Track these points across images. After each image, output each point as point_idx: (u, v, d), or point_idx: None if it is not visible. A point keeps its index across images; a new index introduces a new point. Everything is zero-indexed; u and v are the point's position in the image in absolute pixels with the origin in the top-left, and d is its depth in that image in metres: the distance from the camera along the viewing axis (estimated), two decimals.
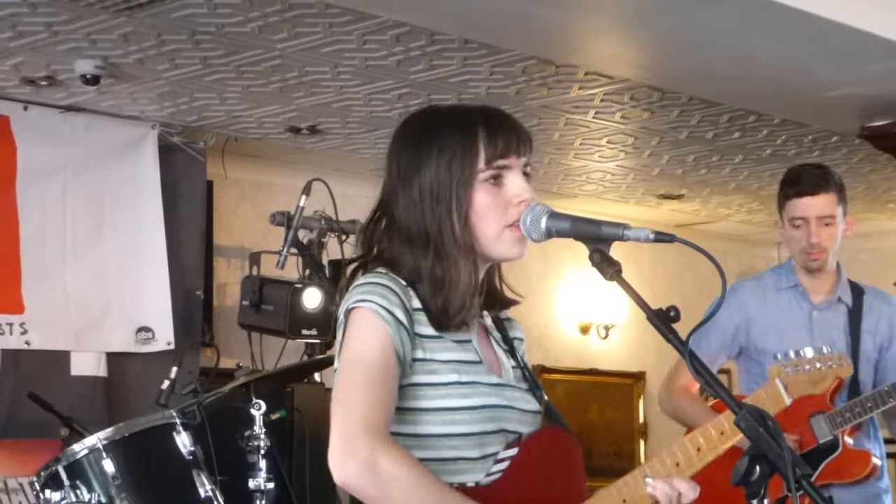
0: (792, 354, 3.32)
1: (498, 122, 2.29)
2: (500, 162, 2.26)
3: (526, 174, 2.30)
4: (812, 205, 4.10)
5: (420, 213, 2.26)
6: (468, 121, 2.28)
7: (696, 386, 4.17)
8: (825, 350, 3.31)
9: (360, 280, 2.24)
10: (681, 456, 2.40)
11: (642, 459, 9.11)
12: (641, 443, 9.18)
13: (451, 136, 2.27)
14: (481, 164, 2.26)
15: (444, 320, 2.24)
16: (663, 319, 2.08)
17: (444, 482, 2.14)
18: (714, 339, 4.17)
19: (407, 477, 2.07)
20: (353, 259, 2.35)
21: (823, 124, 6.56)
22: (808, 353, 3.27)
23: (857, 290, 4.23)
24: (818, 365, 3.25)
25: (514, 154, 2.28)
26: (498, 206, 2.26)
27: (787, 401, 3.22)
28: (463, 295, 2.24)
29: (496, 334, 2.41)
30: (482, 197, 2.26)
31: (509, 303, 2.42)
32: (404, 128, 2.36)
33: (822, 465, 3.98)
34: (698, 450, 2.42)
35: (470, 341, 2.30)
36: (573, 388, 8.85)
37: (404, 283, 2.24)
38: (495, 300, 2.40)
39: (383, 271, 2.25)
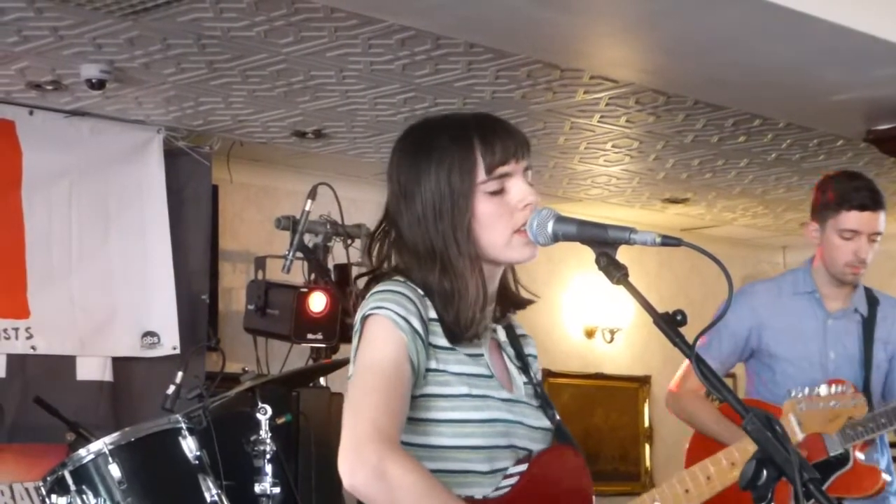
0: (806, 391, 3.31)
1: (492, 130, 2.28)
2: (502, 170, 2.25)
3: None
4: (870, 220, 4.04)
5: (424, 228, 2.25)
6: (463, 131, 2.27)
7: (704, 388, 4.14)
8: (837, 389, 3.29)
9: (378, 287, 2.23)
10: (690, 483, 2.41)
11: (647, 463, 9.10)
12: (647, 447, 9.16)
13: (447, 149, 2.25)
14: (482, 174, 2.24)
15: (458, 332, 2.24)
16: (670, 323, 2.07)
17: (452, 492, 2.13)
18: (725, 343, 4.14)
19: (415, 485, 2.06)
20: (364, 274, 2.34)
21: (829, 128, 6.54)
22: (822, 390, 3.25)
23: (872, 300, 4.19)
24: (832, 403, 3.24)
25: (514, 159, 2.26)
26: (503, 214, 2.25)
27: (800, 436, 3.25)
28: (473, 306, 2.24)
29: (509, 350, 2.40)
30: (485, 207, 2.25)
31: (524, 303, 2.41)
32: (401, 143, 2.35)
33: (832, 478, 3.93)
34: (708, 478, 2.43)
35: (482, 355, 2.30)
36: (578, 392, 8.83)
37: (421, 292, 2.23)
38: (509, 301, 2.39)
39: (401, 279, 2.24)
